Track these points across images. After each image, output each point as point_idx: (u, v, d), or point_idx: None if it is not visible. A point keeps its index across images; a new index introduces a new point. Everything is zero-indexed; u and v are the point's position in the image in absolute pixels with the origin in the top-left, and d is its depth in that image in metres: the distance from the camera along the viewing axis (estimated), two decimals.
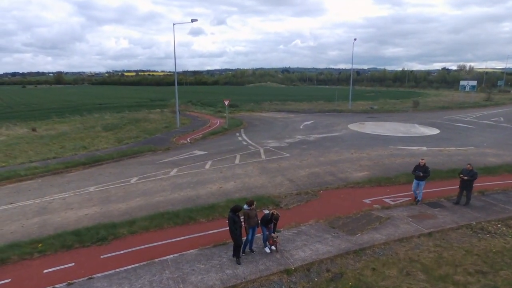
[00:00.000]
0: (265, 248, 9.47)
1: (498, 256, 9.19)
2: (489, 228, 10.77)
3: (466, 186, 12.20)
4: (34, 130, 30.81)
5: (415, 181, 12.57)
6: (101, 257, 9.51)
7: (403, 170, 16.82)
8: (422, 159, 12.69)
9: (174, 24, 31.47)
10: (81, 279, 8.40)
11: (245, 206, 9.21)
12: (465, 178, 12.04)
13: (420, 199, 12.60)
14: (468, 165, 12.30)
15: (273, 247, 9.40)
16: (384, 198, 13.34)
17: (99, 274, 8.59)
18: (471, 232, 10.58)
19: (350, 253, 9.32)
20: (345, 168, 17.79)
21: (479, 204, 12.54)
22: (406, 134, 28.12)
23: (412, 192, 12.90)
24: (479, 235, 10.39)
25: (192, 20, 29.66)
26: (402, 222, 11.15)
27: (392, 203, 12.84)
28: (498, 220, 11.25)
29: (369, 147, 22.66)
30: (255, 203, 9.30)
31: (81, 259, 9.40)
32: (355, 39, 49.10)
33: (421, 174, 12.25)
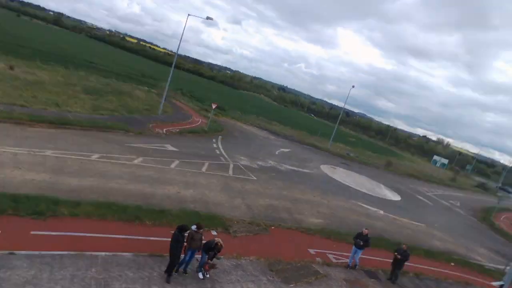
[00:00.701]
0: (198, 273, 9.41)
1: None
2: None
3: (398, 264, 12.57)
4: (11, 68, 29.23)
5: (353, 248, 12.65)
6: (32, 232, 9.11)
7: (355, 229, 17.21)
8: (366, 229, 12.83)
9: (188, 15, 31.21)
10: (0, 252, 7.97)
11: (193, 227, 9.16)
12: (399, 257, 12.40)
13: (357, 264, 12.82)
14: (404, 245, 12.78)
15: (207, 275, 9.37)
16: (328, 253, 13.65)
17: (22, 252, 8.20)
18: None
19: None
20: (303, 209, 18.08)
21: (411, 287, 13.08)
22: (370, 192, 29.03)
23: (349, 257, 13.06)
24: None
25: (207, 18, 29.63)
26: (336, 283, 11.42)
27: (334, 260, 13.16)
28: None
29: (332, 195, 23.20)
30: (203, 228, 9.27)
31: (9, 229, 8.95)
32: (353, 86, 50.73)
33: (361, 243, 12.39)
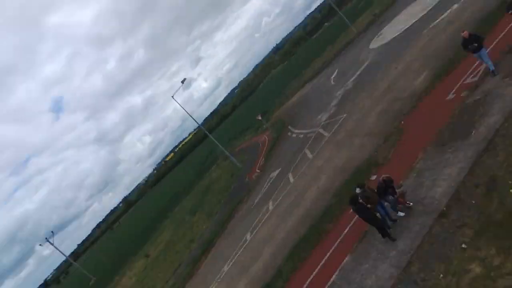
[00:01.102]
0: (398, 214, 8.99)
1: None
2: None
3: None
4: (147, 256, 33.68)
5: (474, 55, 10.96)
6: None
7: (458, 41, 15.19)
8: (464, 31, 10.87)
9: (172, 96, 32.65)
10: None
11: (357, 190, 8.96)
12: None
13: (493, 68, 10.76)
14: None
15: (408, 204, 8.93)
16: (464, 81, 12.09)
17: None
18: None
19: (482, 155, 8.43)
20: (402, 85, 16.60)
21: None
22: (429, 5, 25.42)
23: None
24: None
25: (182, 82, 30.76)
26: (502, 88, 9.93)
27: (476, 79, 11.57)
28: None
29: (405, 49, 20.94)
30: (365, 184, 9.03)
31: None
32: None
33: (476, 44, 10.58)
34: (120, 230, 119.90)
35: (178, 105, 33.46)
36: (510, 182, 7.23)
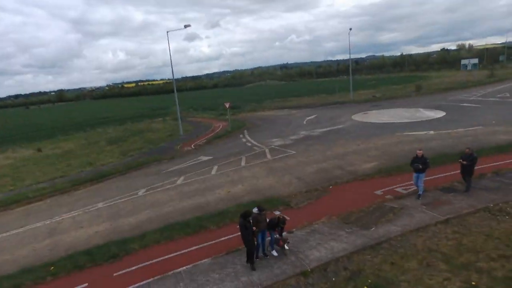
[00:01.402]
0: (272, 251, 9.29)
1: None
2: (508, 209, 10.43)
3: (466, 171, 11.56)
4: (39, 150, 30.94)
5: (414, 174, 11.62)
6: (114, 274, 9.39)
7: (412, 157, 16.49)
8: (420, 150, 11.63)
9: (167, 32, 31.33)
10: None
11: (255, 210, 9.04)
12: (464, 162, 11.39)
13: (421, 193, 11.73)
14: (467, 149, 11.57)
15: (286, 247, 9.24)
16: (395, 188, 13.04)
17: None
18: (489, 215, 10.25)
19: (366, 248, 9.07)
20: (353, 160, 17.50)
21: (495, 185, 12.18)
22: (412, 119, 27.68)
23: (414, 185, 12.09)
24: (498, 217, 10.06)
25: (185, 26, 29.51)
26: (416, 211, 10.86)
27: (404, 192, 12.55)
28: None
29: (376, 136, 22.32)
30: (265, 209, 9.16)
31: (94, 279, 9.30)
32: (350, 29, 48.71)
33: (420, 166, 11.27)
34: (33, 114, 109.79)
35: (169, 48, 32.04)
36: (369, 281, 7.77)
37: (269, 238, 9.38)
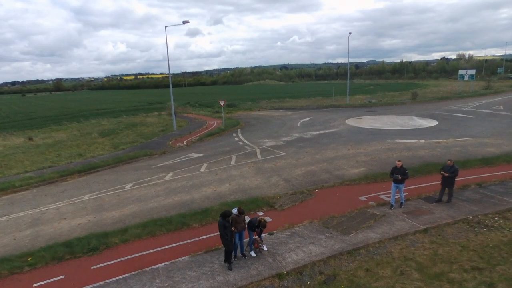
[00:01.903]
0: (251, 252, 9.34)
1: (495, 250, 8.99)
2: (486, 221, 10.57)
3: (448, 183, 11.59)
4: (30, 139, 30.73)
5: (393, 185, 11.60)
6: (92, 268, 9.38)
7: (392, 167, 16.63)
8: (399, 161, 11.63)
9: (166, 26, 31.24)
10: None
11: (234, 211, 9.08)
12: (446, 174, 11.46)
13: (403, 202, 11.78)
14: (449, 161, 11.65)
15: (262, 249, 9.32)
16: (380, 195, 13.15)
17: (89, 286, 8.47)
18: (467, 226, 10.38)
19: (343, 253, 9.15)
20: (341, 165, 17.59)
21: (476, 197, 12.32)
22: (404, 127, 27.86)
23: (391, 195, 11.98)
24: (476, 229, 10.19)
25: (184, 22, 29.43)
26: (397, 219, 10.96)
27: (387, 199, 12.61)
28: (495, 212, 11.04)
29: (366, 142, 22.45)
30: (244, 212, 9.20)
31: (71, 271, 9.28)
32: (350, 33, 48.96)
33: (400, 177, 11.30)
34: (29, 101, 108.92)
35: (166, 43, 31.91)
36: (342, 286, 7.85)
37: (247, 239, 9.43)
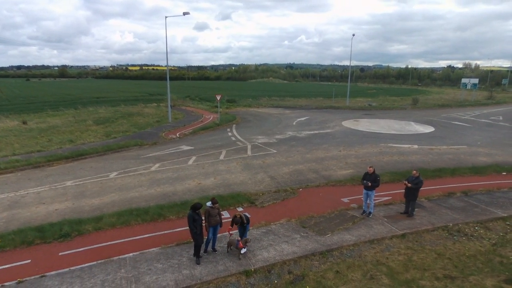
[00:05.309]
0: (241, 250, 8.75)
1: (471, 260, 8.78)
2: (466, 230, 10.34)
3: (410, 194, 10.80)
4: (24, 122, 30.63)
5: (364, 192, 10.99)
6: (60, 254, 9.23)
7: (389, 169, 16.45)
8: (370, 167, 10.93)
9: (166, 17, 31.02)
10: (32, 277, 8.12)
11: (208, 204, 8.87)
12: (408, 185, 10.66)
13: (372, 211, 11.13)
14: (414, 171, 10.89)
15: (243, 250, 8.85)
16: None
17: (53, 272, 8.31)
18: (446, 234, 10.16)
19: (316, 254, 8.95)
20: (330, 165, 17.36)
21: (460, 205, 12.09)
22: (400, 131, 27.58)
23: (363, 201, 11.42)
24: (454, 237, 9.97)
25: (184, 13, 29.18)
26: (376, 222, 10.75)
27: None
28: (477, 222, 10.81)
29: (359, 145, 22.20)
30: (218, 203, 8.95)
31: (38, 256, 9.13)
32: (353, 35, 48.55)
33: (369, 184, 10.66)
34: (32, 86, 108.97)
35: (166, 33, 31.71)
36: (308, 287, 7.65)
37: (236, 238, 9.07)
